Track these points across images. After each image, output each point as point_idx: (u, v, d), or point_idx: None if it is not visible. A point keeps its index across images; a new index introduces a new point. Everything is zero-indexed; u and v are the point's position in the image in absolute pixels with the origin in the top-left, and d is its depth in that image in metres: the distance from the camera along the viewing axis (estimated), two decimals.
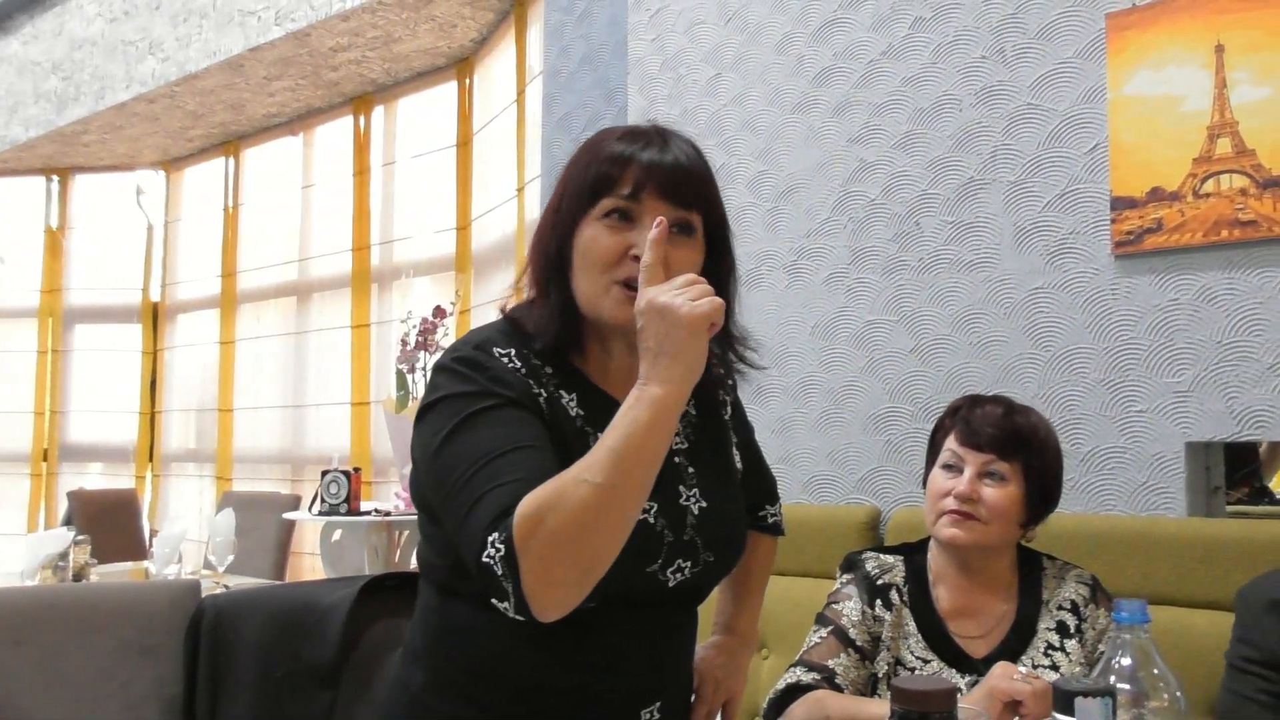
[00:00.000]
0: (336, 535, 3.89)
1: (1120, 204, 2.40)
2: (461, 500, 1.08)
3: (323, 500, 3.88)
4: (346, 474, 3.87)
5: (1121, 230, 2.40)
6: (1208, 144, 2.30)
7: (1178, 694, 1.01)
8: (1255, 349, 2.25)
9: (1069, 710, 0.53)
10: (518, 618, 1.02)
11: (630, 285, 1.16)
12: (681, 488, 1.27)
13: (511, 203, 4.61)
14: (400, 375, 3.98)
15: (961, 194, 2.66)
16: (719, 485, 1.32)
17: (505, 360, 1.20)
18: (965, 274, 2.64)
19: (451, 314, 4.15)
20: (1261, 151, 2.23)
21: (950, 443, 1.76)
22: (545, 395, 1.20)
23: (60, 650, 1.75)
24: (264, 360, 6.50)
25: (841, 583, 1.81)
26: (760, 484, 1.56)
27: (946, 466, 1.74)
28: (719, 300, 1.06)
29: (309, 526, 5.45)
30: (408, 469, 4.01)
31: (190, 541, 4.32)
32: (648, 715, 1.24)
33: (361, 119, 6.05)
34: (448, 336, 4.07)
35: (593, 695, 1.21)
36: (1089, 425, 2.44)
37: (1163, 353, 2.36)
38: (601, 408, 1.21)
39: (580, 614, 1.08)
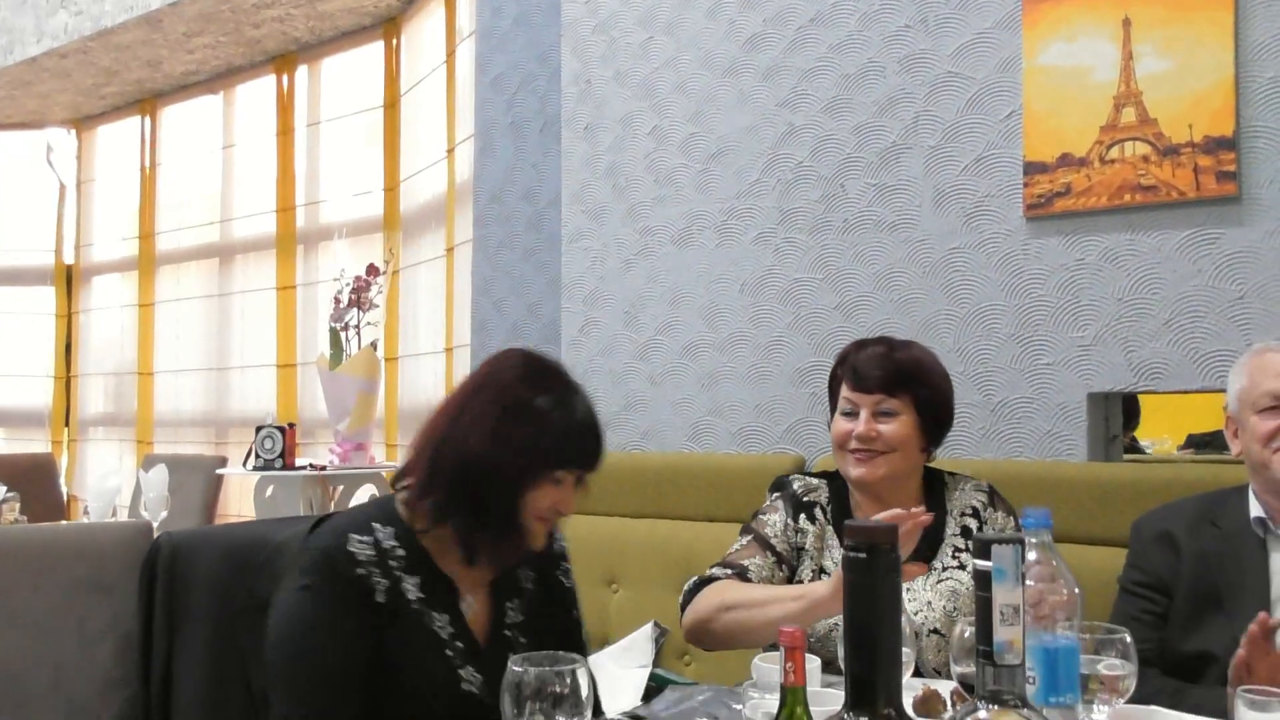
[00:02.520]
0: (270, 491, 3.90)
1: (1032, 169, 2.55)
2: (279, 695, 1.37)
3: (257, 455, 3.89)
4: (281, 429, 3.88)
5: (1033, 194, 2.54)
6: (1114, 113, 2.45)
7: (1075, 589, 1.14)
8: (1152, 306, 2.42)
9: (987, 557, 0.64)
10: None
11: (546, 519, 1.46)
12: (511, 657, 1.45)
13: (441, 164, 4.63)
14: (334, 333, 3.99)
15: (884, 158, 2.78)
16: (547, 644, 1.47)
17: (360, 550, 1.40)
18: (887, 234, 2.77)
19: (384, 272, 4.17)
20: (1162, 121, 2.39)
21: (844, 390, 1.93)
22: (388, 585, 1.40)
23: (12, 589, 1.78)
24: (185, 323, 6.40)
25: (770, 500, 2.00)
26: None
27: (845, 413, 1.91)
28: None
29: (233, 489, 5.43)
30: (343, 424, 4.05)
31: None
32: None
33: (285, 78, 5.97)
34: (380, 294, 4.09)
35: None
36: (1000, 377, 2.59)
37: (1069, 309, 2.52)
38: (440, 590, 1.45)
39: None
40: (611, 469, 2.95)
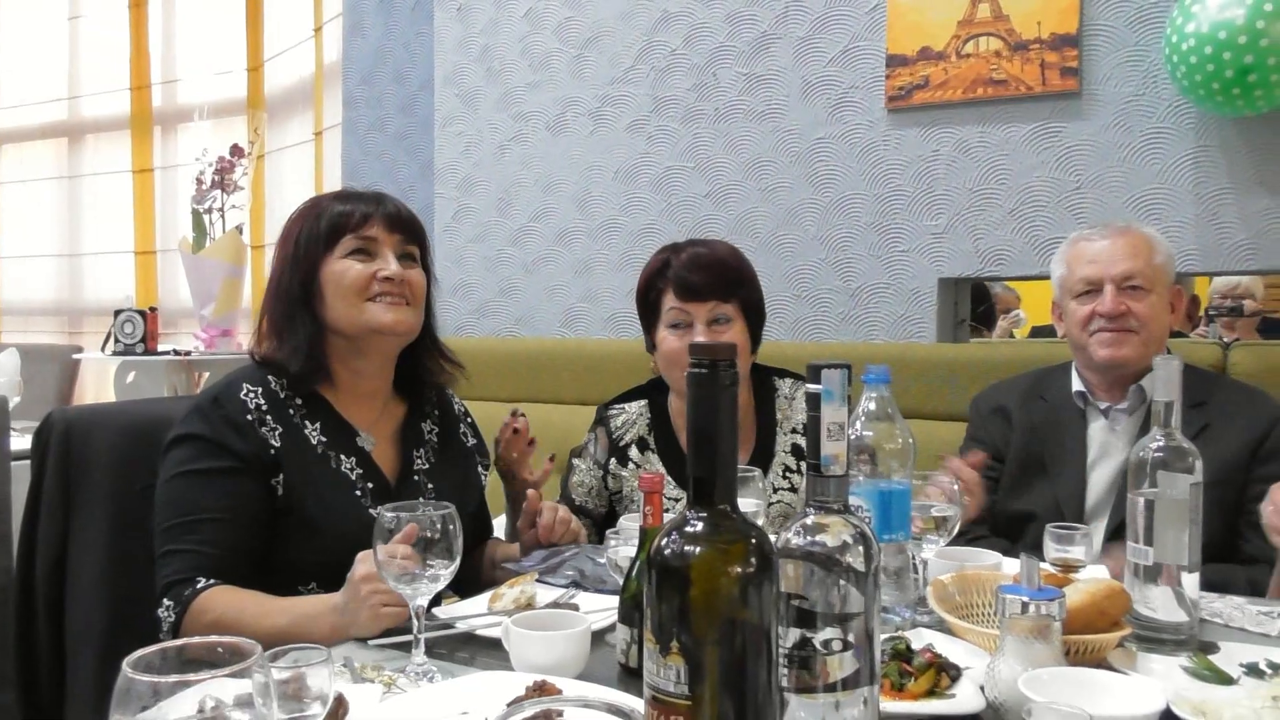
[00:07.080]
0: (132, 376, 3.80)
1: (894, 61, 2.63)
2: (160, 543, 1.38)
3: (116, 340, 3.77)
4: (142, 313, 3.77)
5: (894, 86, 2.64)
6: (971, 8, 2.55)
7: (910, 439, 1.25)
8: (999, 195, 2.56)
9: (818, 381, 0.71)
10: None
11: (383, 297, 1.47)
12: (421, 499, 1.49)
13: (308, 43, 4.47)
14: (196, 215, 3.86)
15: (755, 47, 2.83)
16: (455, 493, 1.51)
17: (251, 399, 1.43)
18: (756, 124, 2.84)
19: (249, 154, 4.04)
20: (1015, 17, 2.50)
21: (671, 301, 1.77)
22: (283, 429, 1.43)
23: None
24: (32, 206, 6.07)
25: (590, 437, 1.96)
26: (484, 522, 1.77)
27: (674, 326, 1.77)
28: (395, 613, 1.21)
29: (89, 379, 5.25)
30: (208, 309, 3.95)
31: None
32: None
33: None
34: (246, 176, 3.97)
35: None
36: (859, 264, 2.71)
37: (924, 198, 2.64)
38: (343, 434, 1.49)
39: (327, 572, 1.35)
40: (485, 354, 3.02)
